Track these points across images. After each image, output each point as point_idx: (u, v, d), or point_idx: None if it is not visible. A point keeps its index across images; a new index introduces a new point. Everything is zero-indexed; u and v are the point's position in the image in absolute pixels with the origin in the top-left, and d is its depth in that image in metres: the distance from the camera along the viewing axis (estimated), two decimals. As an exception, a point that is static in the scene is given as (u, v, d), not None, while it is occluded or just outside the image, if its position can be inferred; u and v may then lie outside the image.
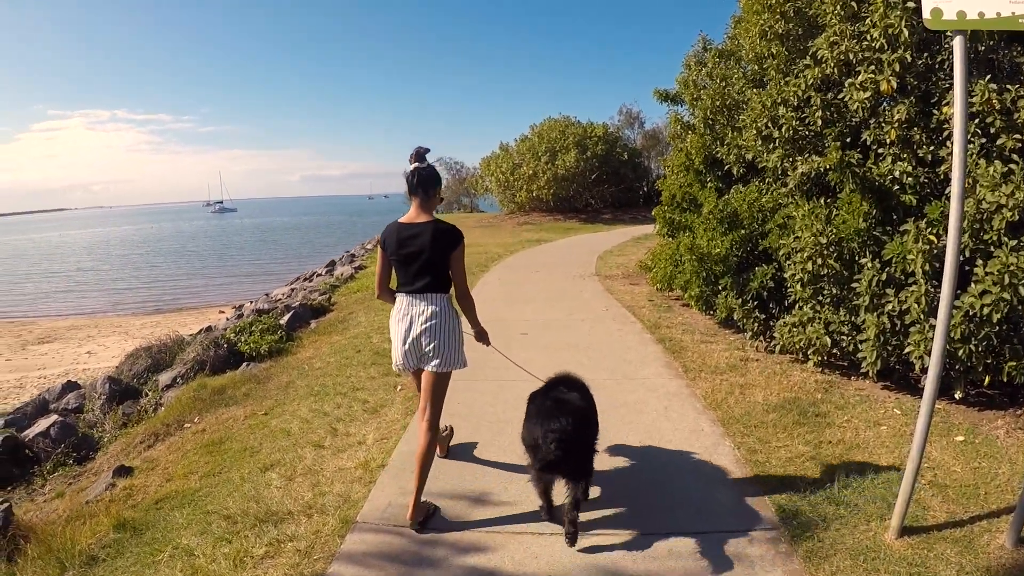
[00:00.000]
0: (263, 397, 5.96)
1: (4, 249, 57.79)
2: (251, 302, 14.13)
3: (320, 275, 16.88)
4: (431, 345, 3.33)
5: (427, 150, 3.45)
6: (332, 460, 4.15)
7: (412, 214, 3.39)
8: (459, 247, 3.37)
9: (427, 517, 3.28)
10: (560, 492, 3.12)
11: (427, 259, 3.30)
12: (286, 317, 9.37)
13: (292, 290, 14.81)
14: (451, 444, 4.21)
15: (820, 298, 5.34)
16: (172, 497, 4.04)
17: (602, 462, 3.84)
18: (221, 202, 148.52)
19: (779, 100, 5.83)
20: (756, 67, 7.06)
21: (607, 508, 3.34)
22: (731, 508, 3.29)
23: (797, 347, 5.45)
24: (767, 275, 6.13)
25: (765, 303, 6.29)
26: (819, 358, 5.36)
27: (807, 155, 5.61)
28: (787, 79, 5.88)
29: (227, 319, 12.26)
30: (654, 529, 3.10)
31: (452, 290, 3.49)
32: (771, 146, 6.06)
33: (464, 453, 4.14)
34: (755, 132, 6.21)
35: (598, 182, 29.37)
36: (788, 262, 5.59)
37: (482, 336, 3.71)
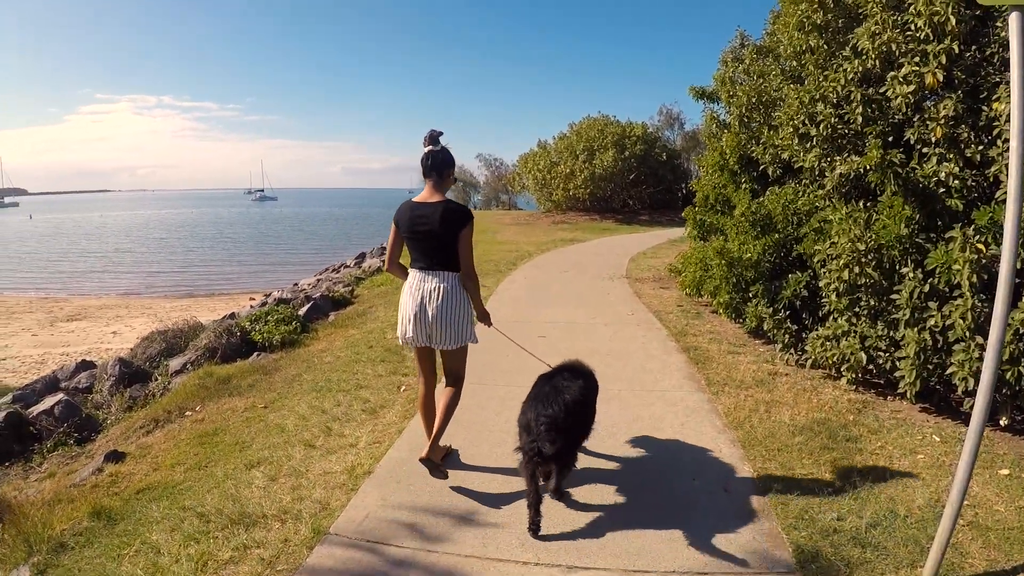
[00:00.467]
0: (267, 389, 5.82)
1: (46, 227, 59.56)
2: (279, 291, 14.11)
3: (348, 267, 16.86)
4: (441, 322, 3.44)
5: (440, 133, 3.53)
6: (320, 462, 3.93)
7: (425, 194, 3.51)
8: (467, 226, 3.43)
9: (446, 455, 3.79)
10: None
11: (437, 237, 3.41)
12: (304, 308, 9.27)
13: (318, 280, 14.77)
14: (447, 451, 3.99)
15: (856, 310, 4.93)
16: (154, 488, 3.90)
17: (607, 484, 3.56)
18: (262, 190, 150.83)
19: (817, 96, 5.44)
20: (794, 63, 6.65)
21: (603, 539, 3.02)
22: (743, 545, 2.92)
23: (830, 362, 5.05)
24: (800, 283, 5.72)
25: (798, 313, 5.88)
26: (853, 375, 4.95)
27: (846, 155, 5.22)
28: (826, 73, 5.48)
29: (251, 307, 12.26)
30: (652, 566, 2.78)
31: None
32: (808, 145, 5.67)
33: (458, 463, 3.86)
34: (792, 130, 5.83)
35: (636, 182, 28.84)
36: (823, 270, 5.19)
37: (484, 317, 3.74)
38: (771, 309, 5.97)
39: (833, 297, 4.97)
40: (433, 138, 3.49)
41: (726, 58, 8.87)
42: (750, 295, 6.40)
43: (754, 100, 7.32)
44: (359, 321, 8.56)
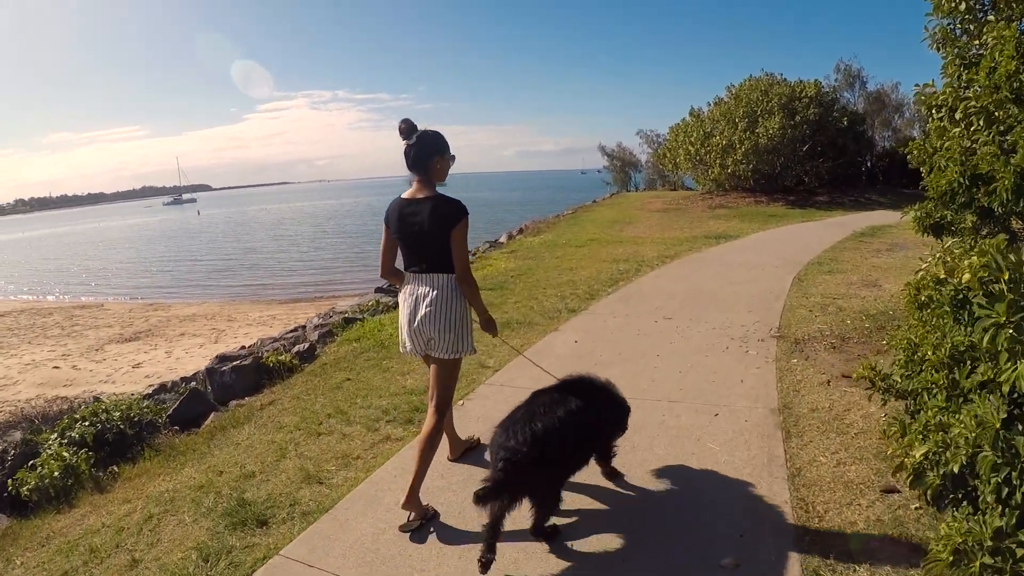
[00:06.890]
0: None
1: (206, 223, 62.61)
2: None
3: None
4: (435, 330, 3.17)
5: (412, 124, 3.19)
6: None
7: (414, 189, 3.23)
8: (460, 224, 3.13)
9: (424, 520, 3.09)
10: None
11: (429, 236, 3.14)
12: (180, 400, 5.61)
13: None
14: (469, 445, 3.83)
15: None
16: None
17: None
18: None
19: None
20: None
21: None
22: None
23: None
24: None
25: None
26: None
27: None
28: None
29: (319, 316, 8.98)
30: None
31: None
32: None
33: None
34: None
35: (811, 155, 22.23)
36: None
37: (488, 325, 3.36)
38: None
39: None
40: (406, 131, 3.16)
41: None
42: None
43: None
44: (220, 440, 4.79)
